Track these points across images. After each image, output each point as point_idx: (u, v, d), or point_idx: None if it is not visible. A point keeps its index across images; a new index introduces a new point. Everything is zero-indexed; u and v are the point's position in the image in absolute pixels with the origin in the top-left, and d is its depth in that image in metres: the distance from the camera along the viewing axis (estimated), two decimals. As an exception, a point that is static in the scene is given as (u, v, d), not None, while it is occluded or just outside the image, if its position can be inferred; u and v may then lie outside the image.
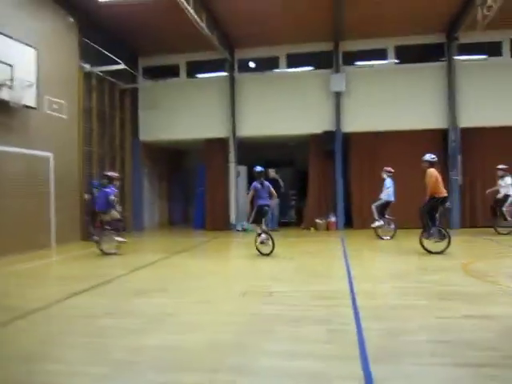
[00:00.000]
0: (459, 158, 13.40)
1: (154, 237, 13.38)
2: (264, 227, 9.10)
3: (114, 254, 9.41)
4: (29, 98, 9.63)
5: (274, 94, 14.33)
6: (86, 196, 12.05)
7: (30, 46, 9.78)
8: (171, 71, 15.15)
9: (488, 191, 11.79)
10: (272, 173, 14.55)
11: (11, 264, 8.40)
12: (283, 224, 15.17)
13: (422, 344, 3.78)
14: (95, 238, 9.86)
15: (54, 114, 10.99)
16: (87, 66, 12.37)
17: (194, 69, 15.09)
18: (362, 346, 3.73)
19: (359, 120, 13.85)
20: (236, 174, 14.79)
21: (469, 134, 13.39)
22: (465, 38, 13.07)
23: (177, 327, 4.40)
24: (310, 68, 14.66)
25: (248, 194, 9.32)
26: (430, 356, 3.53)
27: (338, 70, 13.92)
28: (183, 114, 14.73)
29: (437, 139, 13.69)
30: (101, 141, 13.36)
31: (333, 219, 13.99)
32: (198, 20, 10.85)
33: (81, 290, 6.08)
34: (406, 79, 13.72)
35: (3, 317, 4.84)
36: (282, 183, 14.48)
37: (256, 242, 9.06)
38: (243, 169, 15.27)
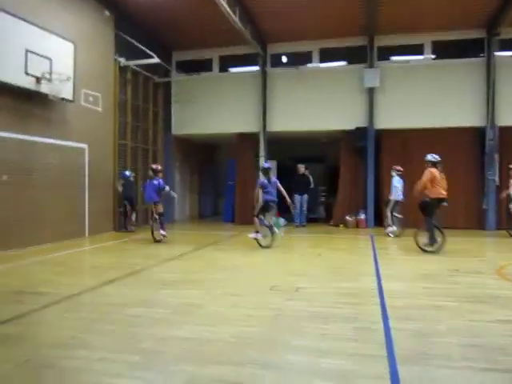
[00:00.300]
0: (496, 157, 12.96)
1: (185, 229, 13.53)
2: (266, 222, 9.64)
3: (159, 241, 10.13)
4: (66, 91, 9.86)
5: (306, 89, 14.19)
6: (120, 188, 12.27)
7: (68, 40, 10.00)
8: (204, 65, 15.21)
9: (503, 193, 11.62)
10: (302, 168, 14.46)
11: (46, 252, 8.68)
12: (312, 220, 15.08)
13: (452, 347, 3.68)
14: (152, 224, 10.50)
15: (90, 106, 11.23)
16: (123, 60, 12.57)
17: (226, 63, 15.12)
18: (390, 346, 3.67)
19: (393, 117, 13.56)
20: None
21: (507, 132, 12.92)
22: (507, 33, 12.59)
23: (204, 319, 4.44)
24: (343, 63, 14.45)
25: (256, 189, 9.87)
26: (460, 359, 3.43)
27: (372, 65, 13.66)
28: (215, 108, 14.79)
29: (473, 137, 13.29)
30: (134, 134, 13.57)
31: (362, 217, 13.81)
32: (232, 14, 10.85)
33: (112, 279, 6.21)
34: (442, 75, 13.32)
35: (37, 303, 5.00)
36: (311, 179, 14.39)
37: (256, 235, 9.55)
38: (273, 164, 15.21)
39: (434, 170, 8.54)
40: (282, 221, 14.19)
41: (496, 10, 11.96)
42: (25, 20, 8.76)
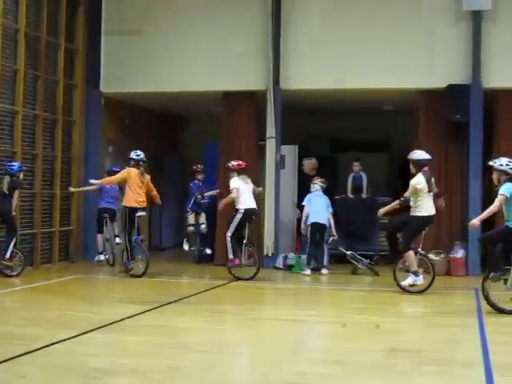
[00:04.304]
0: None
1: (125, 273, 13.52)
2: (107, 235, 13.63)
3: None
4: None
5: (353, 16, 14.36)
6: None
7: None
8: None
9: None
10: (310, 165, 14.62)
11: None
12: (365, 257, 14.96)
13: None
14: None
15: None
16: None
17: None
18: None
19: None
20: (278, 161, 14.84)
21: None
22: None
23: None
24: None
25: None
26: None
27: (478, -28, 13.75)
28: (182, 45, 14.92)
29: None
30: (30, 92, 13.61)
31: (459, 254, 13.76)
32: None
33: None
34: None
35: None
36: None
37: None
38: (291, 151, 15.42)
39: (132, 170, 11.94)
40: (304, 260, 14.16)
41: None
42: None
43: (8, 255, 12.08)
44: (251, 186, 13.13)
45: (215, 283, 12.36)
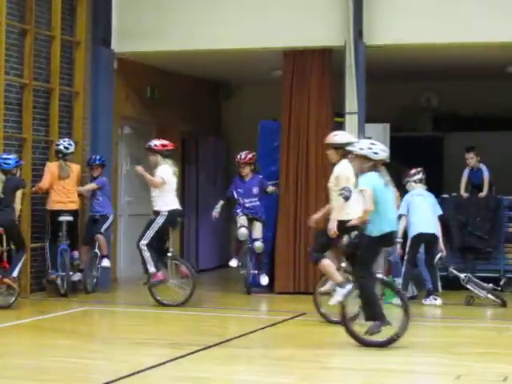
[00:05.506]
0: None
1: (149, 303, 13.34)
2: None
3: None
4: None
5: None
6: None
7: None
8: None
9: None
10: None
11: None
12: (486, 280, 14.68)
13: None
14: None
15: None
16: None
17: None
18: None
19: None
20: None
21: None
22: None
23: None
24: None
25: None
26: None
27: None
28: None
29: None
30: (15, 52, 13.62)
31: None
32: None
33: None
34: None
35: None
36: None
37: None
38: (380, 131, 15.27)
39: (51, 164, 13.15)
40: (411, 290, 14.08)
41: None
42: None
43: (16, 273, 12.35)
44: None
45: (274, 318, 12.27)
